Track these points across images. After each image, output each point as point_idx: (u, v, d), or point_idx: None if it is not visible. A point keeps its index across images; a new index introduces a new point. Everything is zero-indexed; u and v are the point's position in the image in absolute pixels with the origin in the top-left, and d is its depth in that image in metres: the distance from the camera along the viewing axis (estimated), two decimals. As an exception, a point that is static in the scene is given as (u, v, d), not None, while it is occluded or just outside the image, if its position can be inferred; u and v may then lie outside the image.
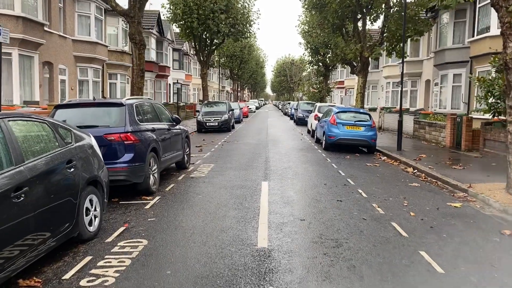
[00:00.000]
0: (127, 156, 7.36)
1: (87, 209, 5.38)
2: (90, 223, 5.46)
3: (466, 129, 15.07)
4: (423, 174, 10.89)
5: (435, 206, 7.56)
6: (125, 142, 7.35)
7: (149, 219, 6.36)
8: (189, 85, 49.60)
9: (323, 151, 15.30)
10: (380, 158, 14.13)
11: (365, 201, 7.70)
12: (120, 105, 7.76)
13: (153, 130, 8.36)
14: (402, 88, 15.79)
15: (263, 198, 7.64)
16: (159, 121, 9.14)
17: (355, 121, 15.12)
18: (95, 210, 5.59)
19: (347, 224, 6.22)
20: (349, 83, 49.14)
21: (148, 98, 9.75)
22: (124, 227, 5.98)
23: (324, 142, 15.71)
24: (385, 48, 22.31)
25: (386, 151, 14.96)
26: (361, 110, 16.31)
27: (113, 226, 6.06)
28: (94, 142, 6.02)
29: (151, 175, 8.05)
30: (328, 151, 15.20)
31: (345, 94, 51.27)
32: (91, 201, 5.50)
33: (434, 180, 10.17)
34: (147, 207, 7.10)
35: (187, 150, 11.11)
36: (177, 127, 10.26)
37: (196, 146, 16.03)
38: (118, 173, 7.29)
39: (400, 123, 15.44)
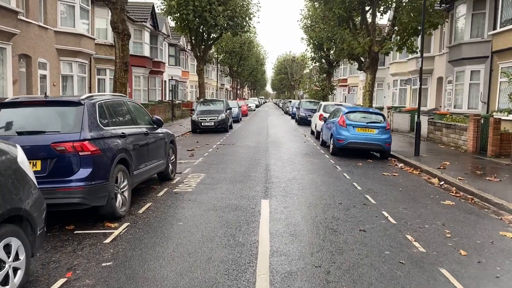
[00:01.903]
0: (83, 172, 5.56)
1: (-1, 261, 3.60)
2: (6, 281, 3.67)
3: (493, 132, 13.27)
4: (454, 188, 9.12)
5: (487, 237, 5.79)
6: (81, 153, 5.55)
7: (103, 264, 4.57)
8: (186, 82, 47.75)
9: (331, 156, 13.51)
10: (397, 165, 12.35)
11: (395, 231, 5.92)
12: (77, 104, 5.96)
13: (122, 136, 6.55)
14: (421, 85, 14.03)
15: (263, 227, 5.83)
16: (134, 124, 7.34)
17: (367, 123, 13.33)
18: (15, 259, 3.80)
19: (380, 273, 4.43)
20: (353, 81, 47.36)
21: (121, 95, 7.93)
22: (65, 279, 4.20)
23: (331, 146, 13.91)
24: (395, 42, 20.48)
25: (402, 157, 13.18)
26: (374, 110, 14.51)
27: (50, 276, 4.27)
28: (22, 157, 4.23)
29: (118, 195, 6.26)
30: (336, 156, 13.42)
31: (348, 92, 49.48)
32: (7, 247, 3.71)
33: (469, 197, 8.40)
34: (108, 240, 5.31)
35: (172, 157, 9.31)
36: (159, 130, 8.48)
37: (188, 150, 14.25)
38: (71, 194, 5.50)
39: (418, 125, 13.64)
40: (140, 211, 6.64)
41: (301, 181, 9.25)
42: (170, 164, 9.06)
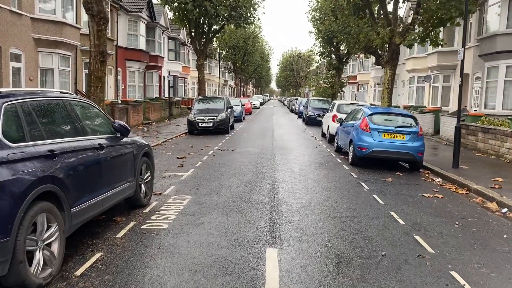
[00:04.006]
0: (-43, 225, 3.21)
1: None
2: None
3: (550, 139, 10.84)
4: (527, 221, 6.70)
5: None
6: (-47, 193, 3.20)
7: None
8: (187, 78, 45.44)
9: (351, 167, 11.11)
10: (433, 180, 9.94)
11: (491, 323, 3.52)
12: (-39, 106, 3.60)
13: (50, 156, 4.18)
14: (462, 83, 11.60)
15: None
16: (78, 135, 4.95)
17: (395, 127, 10.93)
18: None
19: None
20: (363, 78, 44.94)
21: (57, 91, 5.47)
22: None
23: (351, 154, 11.51)
24: (418, 34, 17.96)
25: (437, 169, 10.78)
26: (402, 111, 12.10)
27: None
28: None
29: (37, 252, 3.90)
30: (357, 168, 11.04)
31: (358, 90, 47.03)
32: None
33: (557, 237, 5.99)
34: None
35: (147, 176, 6.93)
36: (125, 140, 6.11)
37: (178, 157, 11.90)
38: None
39: (458, 130, 11.18)
40: (78, 272, 4.26)
41: (319, 210, 6.84)
42: (142, 186, 6.69)
